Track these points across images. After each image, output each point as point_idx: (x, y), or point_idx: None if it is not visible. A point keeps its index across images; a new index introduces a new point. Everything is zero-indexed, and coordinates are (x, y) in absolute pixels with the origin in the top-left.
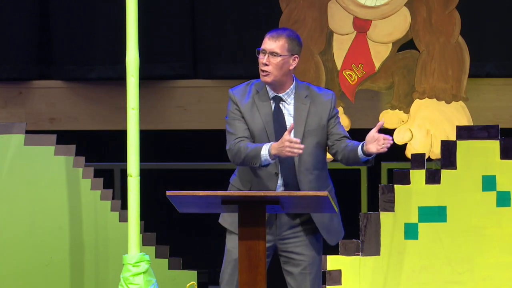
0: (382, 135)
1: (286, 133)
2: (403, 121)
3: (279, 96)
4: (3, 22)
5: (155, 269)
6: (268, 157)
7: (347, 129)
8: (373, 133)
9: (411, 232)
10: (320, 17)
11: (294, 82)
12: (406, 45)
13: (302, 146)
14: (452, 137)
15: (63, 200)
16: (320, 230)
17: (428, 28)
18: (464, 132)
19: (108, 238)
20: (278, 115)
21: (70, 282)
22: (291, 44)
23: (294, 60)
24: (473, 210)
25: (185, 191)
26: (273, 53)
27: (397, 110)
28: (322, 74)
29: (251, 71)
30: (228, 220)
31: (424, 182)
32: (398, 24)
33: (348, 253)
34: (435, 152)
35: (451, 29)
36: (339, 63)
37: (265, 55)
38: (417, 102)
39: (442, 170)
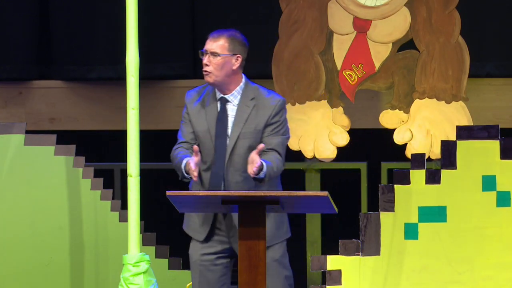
0: (257, 160)
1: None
2: (403, 121)
3: (225, 98)
4: (3, 22)
5: (155, 269)
6: (184, 173)
7: (347, 129)
8: (253, 154)
9: (411, 232)
10: (320, 17)
11: (242, 83)
12: (406, 45)
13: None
14: (452, 137)
15: (63, 200)
16: None
17: (428, 28)
18: (464, 132)
19: (108, 238)
20: (222, 117)
21: (70, 282)
22: (231, 44)
23: (237, 60)
24: (473, 210)
25: (185, 191)
26: (213, 53)
27: (397, 110)
28: (322, 74)
29: (250, 71)
30: (189, 225)
31: (424, 182)
32: (398, 24)
33: (348, 253)
34: (435, 152)
35: (451, 29)
36: (339, 63)
37: (206, 56)
38: (417, 102)
39: (442, 170)
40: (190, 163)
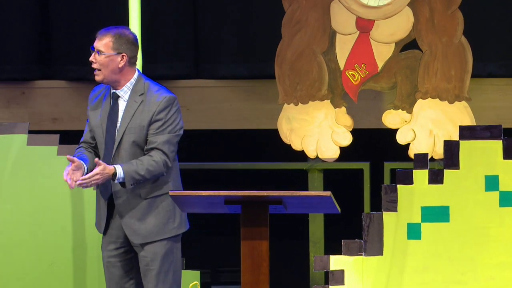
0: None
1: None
2: (406, 121)
3: (116, 93)
4: (5, 22)
5: None
6: None
7: (350, 129)
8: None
9: (414, 232)
10: (323, 17)
11: (134, 79)
12: (408, 45)
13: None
14: (455, 137)
15: (66, 200)
16: (125, 228)
17: (430, 28)
18: (466, 132)
19: None
20: (112, 112)
21: (73, 282)
22: (116, 43)
23: (122, 58)
24: (476, 210)
25: (188, 191)
26: (98, 51)
27: (400, 110)
28: (325, 74)
29: (253, 71)
30: (96, 220)
31: (427, 182)
32: (401, 24)
33: (351, 253)
34: (438, 152)
35: (453, 29)
36: (342, 63)
37: (93, 53)
38: (420, 102)
39: (445, 170)
40: (64, 171)
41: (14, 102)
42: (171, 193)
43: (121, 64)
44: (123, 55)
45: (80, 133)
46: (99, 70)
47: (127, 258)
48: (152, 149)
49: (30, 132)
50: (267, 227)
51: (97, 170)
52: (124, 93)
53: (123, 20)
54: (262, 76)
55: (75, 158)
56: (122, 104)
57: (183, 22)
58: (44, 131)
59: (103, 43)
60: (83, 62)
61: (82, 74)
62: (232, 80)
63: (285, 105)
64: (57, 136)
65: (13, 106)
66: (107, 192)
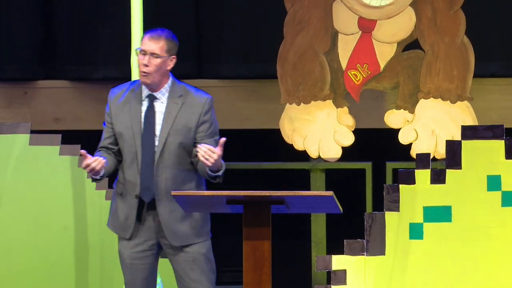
0: (219, 153)
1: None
2: (408, 121)
3: (153, 95)
4: (8, 22)
5: (160, 268)
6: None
7: (352, 129)
8: (218, 149)
9: (416, 232)
10: (325, 17)
11: (170, 81)
12: (411, 45)
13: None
14: (457, 137)
15: (68, 200)
16: (166, 231)
17: (433, 28)
18: (469, 132)
19: (113, 238)
20: (149, 113)
21: (75, 282)
22: (169, 45)
23: (172, 60)
24: (478, 210)
25: (190, 191)
26: (153, 54)
27: (402, 110)
28: (327, 74)
29: (255, 71)
30: (113, 224)
31: (429, 182)
32: (403, 24)
33: (353, 253)
34: (440, 152)
35: (456, 29)
36: (344, 63)
37: (145, 56)
38: (422, 102)
39: (447, 170)
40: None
41: (16, 102)
42: (173, 193)
43: (170, 66)
44: (173, 58)
45: (82, 133)
46: (149, 73)
47: (151, 262)
48: None
49: (32, 132)
50: (269, 227)
51: (218, 150)
52: (162, 95)
53: (125, 20)
54: (264, 76)
55: (86, 154)
56: (159, 106)
57: (185, 22)
58: (46, 131)
59: (159, 46)
60: (86, 62)
61: (85, 74)
62: (234, 80)
63: (287, 105)
64: (59, 136)
65: (15, 106)
66: (149, 194)
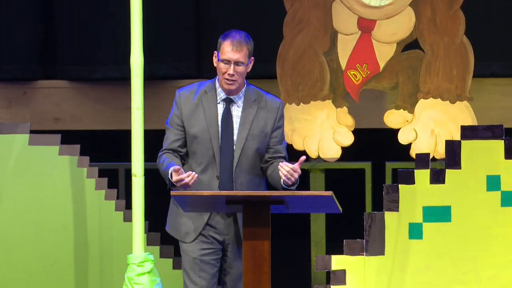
0: (298, 172)
1: (175, 176)
2: (407, 121)
3: (230, 98)
4: (8, 22)
5: (160, 269)
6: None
7: (351, 129)
8: (297, 166)
9: (415, 232)
10: (325, 17)
11: (245, 84)
12: (410, 45)
13: (190, 179)
14: (457, 137)
15: (68, 200)
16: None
17: (432, 28)
18: (468, 132)
19: (113, 238)
20: (226, 117)
21: (74, 281)
22: (250, 50)
23: (251, 62)
24: (477, 210)
25: (189, 191)
26: (238, 63)
27: (401, 110)
28: (326, 74)
29: (255, 71)
30: (175, 227)
31: (428, 182)
32: (403, 24)
33: (352, 253)
34: (440, 152)
35: (455, 29)
36: (343, 63)
37: (230, 65)
38: (421, 102)
39: (446, 170)
40: (177, 176)
41: (16, 102)
42: (172, 193)
43: (249, 69)
44: (252, 60)
45: (81, 133)
46: (235, 80)
47: (218, 259)
48: (278, 157)
49: (32, 132)
50: (269, 227)
51: (298, 170)
52: (238, 99)
53: (125, 20)
54: (264, 76)
55: (181, 168)
56: (235, 110)
57: (185, 22)
58: (46, 131)
59: (243, 54)
60: (86, 62)
61: (84, 74)
62: None
63: (287, 105)
64: (59, 136)
65: (15, 106)
66: None
